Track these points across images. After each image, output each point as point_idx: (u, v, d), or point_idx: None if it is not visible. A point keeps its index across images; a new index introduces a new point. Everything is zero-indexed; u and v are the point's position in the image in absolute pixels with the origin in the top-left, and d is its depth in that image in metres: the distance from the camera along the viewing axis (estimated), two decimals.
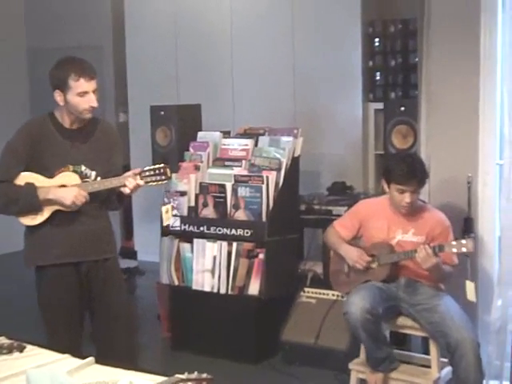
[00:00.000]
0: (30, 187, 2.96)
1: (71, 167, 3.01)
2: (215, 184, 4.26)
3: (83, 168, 3.03)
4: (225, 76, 5.85)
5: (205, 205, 4.30)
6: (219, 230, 4.23)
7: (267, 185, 4.11)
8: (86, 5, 6.84)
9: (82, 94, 2.94)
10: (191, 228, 4.32)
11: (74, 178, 3.00)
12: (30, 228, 3.06)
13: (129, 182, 2.96)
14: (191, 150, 4.53)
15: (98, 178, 3.05)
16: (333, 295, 4.11)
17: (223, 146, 4.46)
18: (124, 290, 3.31)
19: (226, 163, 4.37)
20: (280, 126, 4.50)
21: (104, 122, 3.25)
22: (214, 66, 5.91)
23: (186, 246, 4.37)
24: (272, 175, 4.14)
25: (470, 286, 3.42)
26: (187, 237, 4.36)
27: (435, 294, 3.44)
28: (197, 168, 4.38)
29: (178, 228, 4.37)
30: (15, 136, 3.06)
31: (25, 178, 2.99)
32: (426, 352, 3.57)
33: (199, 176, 4.36)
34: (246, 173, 4.23)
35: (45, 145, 3.01)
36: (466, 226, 3.79)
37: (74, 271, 3.06)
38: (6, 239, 6.85)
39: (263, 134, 4.45)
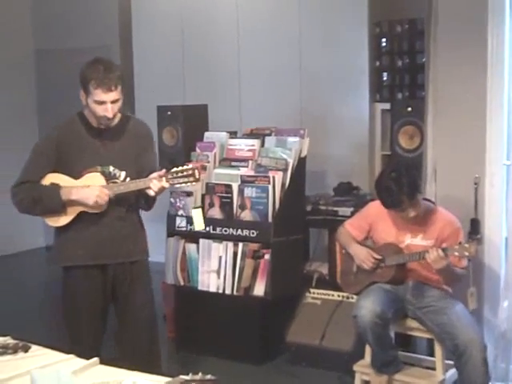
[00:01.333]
0: (54, 187, 2.95)
1: (99, 168, 2.99)
2: (221, 184, 4.25)
3: (111, 168, 3.01)
4: (231, 76, 5.85)
5: (211, 205, 4.30)
6: (225, 231, 4.22)
7: (273, 185, 4.11)
8: (92, 5, 6.85)
9: (100, 103, 2.92)
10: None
11: (99, 180, 2.97)
12: (57, 228, 3.06)
13: (153, 184, 2.93)
14: (198, 150, 4.53)
15: (128, 179, 3.01)
16: (338, 296, 4.10)
17: (230, 147, 4.46)
18: (151, 294, 3.25)
19: (233, 163, 4.36)
20: (286, 127, 4.49)
21: (135, 119, 3.21)
22: (221, 67, 5.91)
23: (191, 246, 4.37)
24: (278, 176, 4.14)
25: (470, 294, 3.39)
26: (193, 237, 4.36)
27: (443, 296, 3.43)
28: (203, 168, 4.38)
29: (184, 228, 4.37)
30: (43, 137, 3.07)
31: (51, 178, 2.99)
32: (431, 354, 3.56)
33: (205, 176, 4.35)
34: (252, 173, 4.22)
35: (73, 145, 2.99)
36: (472, 227, 3.77)
37: (99, 273, 3.05)
38: (11, 240, 6.89)
39: (270, 135, 4.44)
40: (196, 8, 5.98)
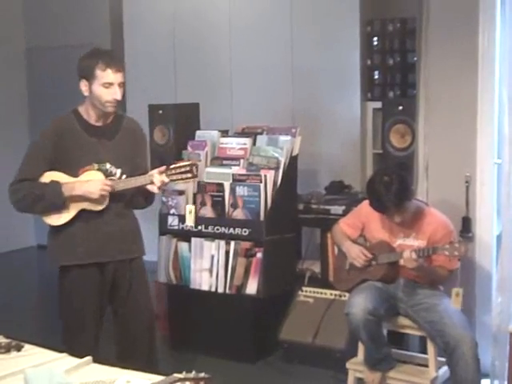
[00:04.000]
0: (55, 184, 2.93)
1: (96, 165, 2.98)
2: (213, 183, 4.25)
3: (108, 166, 3.00)
4: (223, 75, 5.84)
5: (203, 204, 4.30)
6: (217, 229, 4.23)
7: (265, 184, 4.11)
8: (84, 3, 6.83)
9: (107, 86, 2.91)
10: (189, 227, 4.32)
11: (99, 177, 2.96)
12: (54, 227, 3.02)
13: (156, 179, 2.94)
14: (189, 148, 4.53)
15: (124, 176, 3.01)
16: (331, 294, 4.11)
17: (221, 145, 4.46)
18: (149, 292, 3.26)
19: (224, 162, 4.37)
20: (278, 125, 4.50)
21: (129, 118, 3.21)
22: (213, 65, 5.90)
23: (183, 245, 4.37)
24: (270, 174, 4.14)
25: (455, 294, 3.40)
26: (185, 236, 4.36)
27: (434, 294, 3.45)
28: None
29: (176, 227, 4.36)
30: (40, 135, 3.03)
31: (49, 176, 2.97)
32: (424, 351, 3.57)
33: None
34: (244, 172, 4.23)
35: (70, 143, 2.98)
36: (463, 225, 3.80)
37: (98, 272, 3.04)
38: (5, 238, 6.87)
39: (261, 133, 4.44)
40: (188, 6, 5.97)
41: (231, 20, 5.75)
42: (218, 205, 4.24)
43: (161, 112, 4.97)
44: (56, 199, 2.92)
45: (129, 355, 3.02)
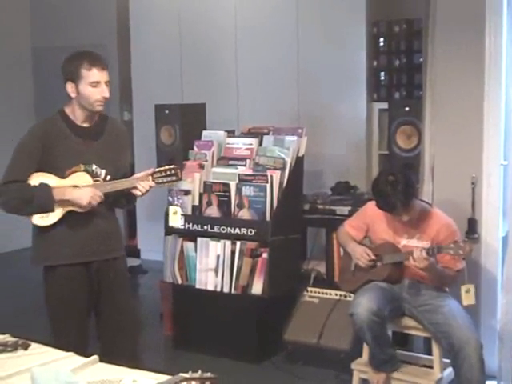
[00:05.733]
0: (45, 188, 2.93)
1: (82, 166, 2.99)
2: (219, 183, 4.26)
3: (94, 167, 3.01)
4: (229, 75, 5.85)
5: (209, 204, 4.31)
6: (223, 229, 4.23)
7: (271, 184, 4.12)
8: (90, 3, 6.85)
9: (95, 84, 2.94)
10: (195, 227, 4.33)
11: (86, 179, 2.98)
12: (39, 227, 3.03)
13: (140, 185, 2.98)
14: (196, 148, 4.54)
15: (108, 177, 3.03)
16: (336, 295, 4.11)
17: (227, 145, 4.46)
18: (129, 289, 3.32)
19: (231, 162, 4.37)
20: (284, 126, 4.50)
21: (112, 119, 3.24)
22: (219, 65, 5.91)
23: (189, 244, 4.38)
24: (276, 174, 4.14)
25: (465, 290, 3.39)
26: (191, 236, 4.36)
27: (439, 295, 3.44)
28: (201, 167, 4.39)
29: (182, 227, 4.37)
30: (27, 136, 3.03)
31: (38, 178, 2.96)
32: (429, 352, 3.57)
33: (203, 175, 4.36)
34: (250, 172, 4.23)
35: (57, 144, 2.98)
36: (469, 226, 3.79)
37: (84, 271, 3.06)
38: (9, 238, 6.88)
39: (267, 134, 4.45)
40: (194, 7, 5.98)
41: (237, 21, 5.76)
42: (224, 205, 4.25)
43: (167, 112, 4.99)
44: (46, 203, 2.93)
45: (111, 353, 3.00)
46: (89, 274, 3.07)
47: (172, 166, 3.06)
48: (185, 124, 4.92)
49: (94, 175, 3.01)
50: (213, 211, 4.29)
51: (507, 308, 3.57)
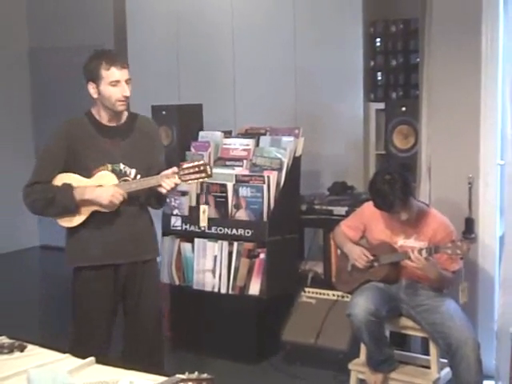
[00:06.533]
0: (67, 188, 2.93)
1: (109, 166, 2.97)
2: (216, 184, 4.26)
3: (122, 166, 2.99)
4: (226, 76, 5.84)
5: (206, 204, 4.30)
6: (220, 230, 4.23)
7: (268, 185, 4.12)
8: (87, 4, 6.84)
9: (114, 84, 2.93)
10: (192, 228, 4.33)
11: (112, 178, 2.96)
12: (69, 229, 3.03)
13: (166, 182, 2.93)
14: (192, 149, 4.54)
15: (138, 176, 3.00)
16: (333, 295, 4.11)
17: (224, 146, 4.46)
18: (159, 294, 3.27)
19: (228, 163, 4.37)
20: (281, 126, 4.50)
21: (143, 117, 3.21)
22: (216, 66, 5.91)
23: (187, 245, 4.38)
24: (273, 175, 4.14)
25: (461, 289, 3.41)
26: (188, 236, 4.36)
27: (436, 295, 3.44)
28: None
29: (179, 228, 4.37)
30: (51, 137, 3.03)
31: (62, 178, 2.96)
32: (426, 353, 3.57)
33: None
34: (247, 173, 4.23)
35: (83, 144, 2.98)
36: (466, 226, 3.79)
37: (112, 273, 3.04)
38: (9, 239, 6.88)
39: (264, 134, 4.45)
40: (191, 8, 5.97)
41: (234, 21, 5.76)
42: (221, 205, 4.24)
43: (164, 113, 4.98)
44: (67, 203, 2.93)
45: (132, 354, 3.03)
46: (117, 277, 3.04)
47: (201, 162, 3.00)
48: (182, 125, 4.91)
49: (122, 175, 2.98)
50: (210, 212, 4.29)
51: (504, 308, 3.57)
